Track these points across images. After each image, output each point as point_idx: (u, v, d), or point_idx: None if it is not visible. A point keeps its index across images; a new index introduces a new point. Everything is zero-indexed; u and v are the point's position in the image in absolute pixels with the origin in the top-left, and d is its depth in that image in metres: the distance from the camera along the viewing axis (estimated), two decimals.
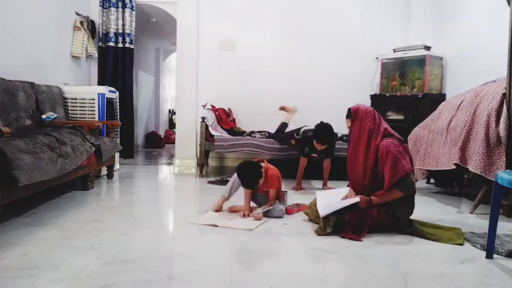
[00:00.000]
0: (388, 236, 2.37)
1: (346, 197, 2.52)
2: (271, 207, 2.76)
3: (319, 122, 3.76)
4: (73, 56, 4.70)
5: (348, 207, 2.40)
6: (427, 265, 1.96)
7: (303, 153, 3.86)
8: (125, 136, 5.15)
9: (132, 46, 5.21)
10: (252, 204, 2.90)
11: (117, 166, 4.73)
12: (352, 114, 2.59)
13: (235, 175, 2.87)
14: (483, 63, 3.95)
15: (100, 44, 5.09)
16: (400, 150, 2.41)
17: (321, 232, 2.37)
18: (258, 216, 2.65)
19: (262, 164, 2.87)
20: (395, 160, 2.36)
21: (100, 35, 5.09)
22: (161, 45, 8.66)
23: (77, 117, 4.22)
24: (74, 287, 1.61)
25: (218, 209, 2.85)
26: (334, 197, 2.56)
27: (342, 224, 2.37)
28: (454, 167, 3.11)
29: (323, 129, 3.68)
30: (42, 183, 2.57)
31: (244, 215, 2.70)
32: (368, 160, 2.47)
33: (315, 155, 3.89)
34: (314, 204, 2.60)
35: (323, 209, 2.40)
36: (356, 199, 2.41)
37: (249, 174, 2.79)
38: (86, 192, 3.45)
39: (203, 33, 5.17)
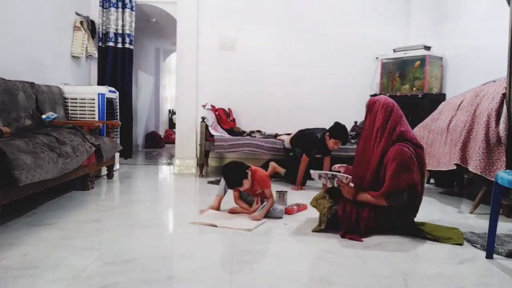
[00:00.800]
0: (388, 236, 2.37)
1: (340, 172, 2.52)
2: (272, 208, 2.76)
3: (336, 122, 3.73)
4: (73, 56, 4.70)
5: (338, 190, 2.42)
6: (427, 265, 1.96)
7: (310, 154, 3.84)
8: (124, 136, 5.15)
9: (131, 47, 5.22)
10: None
11: (117, 166, 4.73)
12: (367, 107, 2.48)
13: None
14: (483, 63, 3.95)
15: (100, 44, 5.09)
16: (408, 161, 2.27)
17: (316, 228, 2.41)
18: (255, 216, 2.65)
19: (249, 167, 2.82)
20: (398, 170, 2.27)
21: (100, 35, 5.10)
22: (161, 45, 8.67)
23: (77, 117, 4.22)
24: (74, 287, 1.61)
25: (215, 208, 2.85)
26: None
27: (336, 221, 2.37)
28: (455, 167, 3.11)
29: (343, 129, 3.69)
30: (42, 183, 2.57)
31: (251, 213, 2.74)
32: (373, 158, 2.39)
33: (319, 155, 3.90)
34: (320, 196, 2.56)
35: (314, 172, 2.49)
36: (349, 178, 2.39)
37: (233, 173, 2.75)
38: (86, 192, 3.45)
39: (203, 33, 5.17)
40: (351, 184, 2.42)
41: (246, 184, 2.74)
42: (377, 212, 2.38)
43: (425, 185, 2.52)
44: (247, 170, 2.75)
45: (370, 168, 2.39)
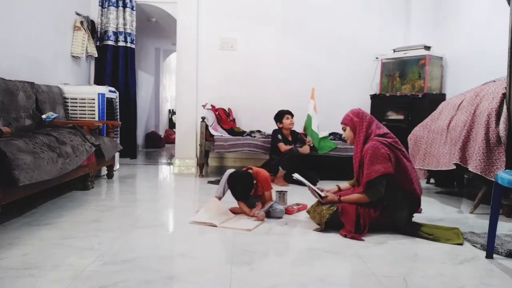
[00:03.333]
0: (388, 236, 2.37)
1: (323, 190, 2.60)
2: (272, 208, 2.77)
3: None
4: (73, 56, 4.70)
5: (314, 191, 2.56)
6: (427, 265, 1.96)
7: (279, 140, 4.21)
8: (128, 136, 5.18)
9: (133, 46, 5.22)
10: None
11: (117, 166, 4.73)
12: (347, 124, 2.65)
13: (226, 174, 2.86)
14: (483, 63, 3.95)
15: (98, 44, 5.09)
16: (378, 153, 2.36)
17: (317, 229, 2.45)
18: (261, 216, 2.65)
19: (250, 171, 2.83)
20: (370, 162, 2.37)
21: (98, 35, 5.10)
22: (161, 45, 8.66)
23: (77, 117, 4.22)
24: (74, 287, 1.61)
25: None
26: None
27: (336, 221, 2.39)
28: (454, 167, 3.11)
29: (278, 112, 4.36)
30: (42, 183, 2.57)
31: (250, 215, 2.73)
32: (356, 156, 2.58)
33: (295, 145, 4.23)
34: (316, 204, 2.62)
35: (297, 176, 2.67)
36: (324, 194, 2.54)
37: (242, 187, 2.75)
38: (86, 192, 3.45)
39: (203, 33, 5.17)
40: (329, 197, 2.52)
41: (252, 192, 2.78)
42: (382, 208, 2.40)
43: (419, 178, 2.58)
44: (253, 181, 2.77)
45: (355, 165, 2.57)
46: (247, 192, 2.76)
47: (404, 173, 2.43)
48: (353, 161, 2.60)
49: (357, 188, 2.54)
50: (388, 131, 2.55)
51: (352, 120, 2.60)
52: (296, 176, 2.69)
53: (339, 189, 2.70)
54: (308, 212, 2.70)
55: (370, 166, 2.37)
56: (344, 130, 2.66)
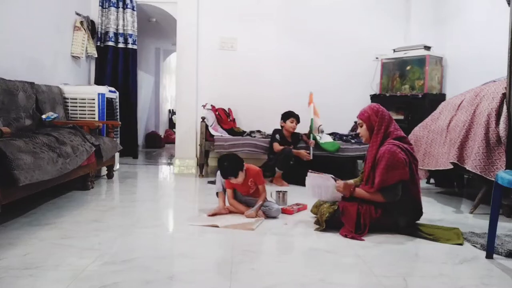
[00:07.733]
0: (388, 236, 2.37)
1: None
2: (268, 207, 2.77)
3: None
4: (73, 56, 4.70)
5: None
6: (427, 265, 1.96)
7: (275, 140, 4.21)
8: (129, 137, 5.19)
9: (135, 47, 5.25)
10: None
11: (117, 166, 4.73)
12: (363, 120, 2.57)
13: (219, 172, 2.87)
14: (483, 63, 3.95)
15: (99, 44, 5.09)
16: (396, 160, 2.32)
17: (317, 229, 2.44)
18: (250, 214, 2.66)
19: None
20: (387, 168, 2.33)
21: (99, 35, 5.10)
22: (161, 45, 8.66)
23: (77, 117, 4.21)
24: (74, 287, 1.61)
25: (222, 210, 2.79)
26: (321, 181, 2.56)
27: (336, 221, 2.39)
28: (452, 166, 3.11)
29: (287, 111, 4.31)
30: (42, 183, 2.57)
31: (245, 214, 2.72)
32: (370, 156, 2.51)
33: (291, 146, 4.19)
34: (319, 203, 2.62)
35: (311, 190, 2.57)
36: (340, 183, 2.46)
37: (230, 162, 2.75)
38: (86, 192, 3.45)
39: (203, 33, 5.17)
40: (340, 183, 2.47)
41: (241, 177, 2.75)
42: (383, 210, 2.39)
43: (420, 183, 2.56)
44: (243, 163, 2.78)
45: (368, 165, 2.50)
46: (236, 168, 2.72)
47: (413, 180, 2.42)
48: (365, 161, 2.56)
49: (364, 186, 2.51)
50: (405, 135, 2.51)
51: (369, 118, 2.50)
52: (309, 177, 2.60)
53: None
54: (315, 213, 2.67)
55: (387, 172, 2.32)
56: (361, 126, 2.55)
